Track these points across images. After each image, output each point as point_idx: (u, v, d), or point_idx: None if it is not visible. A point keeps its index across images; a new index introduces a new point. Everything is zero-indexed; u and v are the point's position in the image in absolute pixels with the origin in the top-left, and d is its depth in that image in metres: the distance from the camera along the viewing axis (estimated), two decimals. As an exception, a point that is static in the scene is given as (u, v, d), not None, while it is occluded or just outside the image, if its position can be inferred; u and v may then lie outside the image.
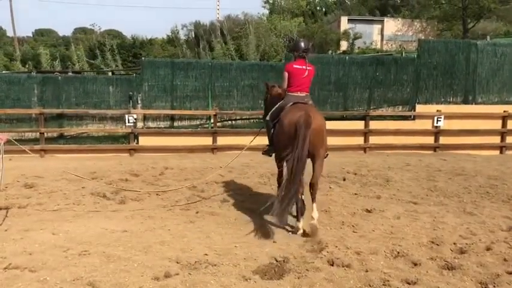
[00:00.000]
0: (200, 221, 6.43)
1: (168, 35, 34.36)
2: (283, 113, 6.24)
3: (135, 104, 12.90)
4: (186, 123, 13.36)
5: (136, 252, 5.02)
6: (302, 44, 6.56)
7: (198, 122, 13.46)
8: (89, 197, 7.60)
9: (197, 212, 6.86)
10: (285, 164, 5.94)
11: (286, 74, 6.53)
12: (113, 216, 6.61)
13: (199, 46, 29.58)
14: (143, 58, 15.17)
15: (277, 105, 6.59)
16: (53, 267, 4.58)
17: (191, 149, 12.73)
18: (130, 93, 12.83)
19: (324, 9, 40.69)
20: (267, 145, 7.00)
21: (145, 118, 13.11)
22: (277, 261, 4.85)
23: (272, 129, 6.53)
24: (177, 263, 4.74)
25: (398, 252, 5.10)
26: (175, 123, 13.29)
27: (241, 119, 13.70)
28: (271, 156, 6.99)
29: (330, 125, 13.25)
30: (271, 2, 38.26)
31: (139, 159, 11.75)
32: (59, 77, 13.28)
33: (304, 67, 6.45)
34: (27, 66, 29.04)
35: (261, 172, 9.90)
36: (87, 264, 4.65)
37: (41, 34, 53.55)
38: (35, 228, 5.92)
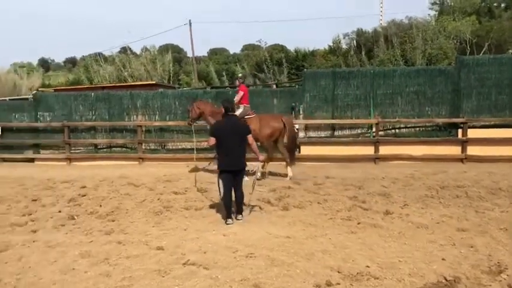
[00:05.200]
0: (362, 232, 6.32)
1: (329, 45, 34.63)
2: (262, 117, 10.59)
3: (297, 115, 13.29)
4: (346, 132, 13.28)
5: (298, 258, 5.16)
6: (240, 75, 11.94)
7: (359, 131, 13.26)
8: (255, 203, 8.04)
9: (359, 223, 6.74)
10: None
11: (242, 93, 10.59)
12: (276, 222, 6.91)
13: (361, 54, 29.14)
14: (305, 70, 15.58)
15: (238, 112, 9.78)
16: (224, 266, 4.98)
17: (352, 159, 12.59)
18: (293, 104, 13.27)
19: (503, 5, 36.31)
20: None
21: (306, 128, 13.42)
22: (446, 280, 4.48)
23: None
24: (339, 272, 4.73)
25: None
26: (336, 133, 13.31)
27: (405, 127, 13.07)
28: None
29: (509, 133, 11.89)
30: (439, 2, 35.78)
31: (301, 168, 12.03)
32: (230, 91, 14.42)
33: (248, 89, 11.24)
34: (194, 82, 32.27)
35: (428, 184, 9.29)
36: (254, 266, 4.93)
37: (215, 53, 58.89)
38: (209, 230, 6.53)
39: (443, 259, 5.07)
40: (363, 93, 13.03)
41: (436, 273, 4.64)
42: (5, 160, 14.62)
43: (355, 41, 33.66)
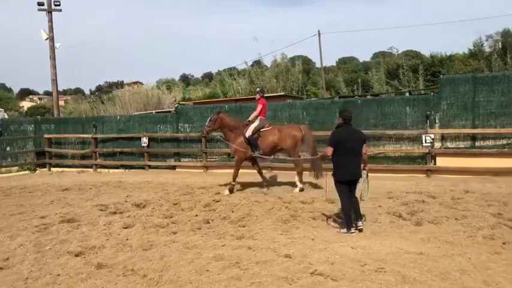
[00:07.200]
0: (508, 253, 5.69)
1: (470, 49, 32.04)
2: (280, 128, 10.84)
3: (433, 124, 12.51)
4: (489, 143, 12.10)
5: (432, 277, 4.83)
6: (259, 89, 11.40)
7: (504, 142, 11.99)
8: (385, 216, 7.77)
9: (504, 243, 6.08)
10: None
11: (261, 106, 10.74)
12: (408, 237, 6.56)
13: (507, 57, 26.39)
14: (441, 76, 14.62)
15: (256, 125, 10.60)
16: (351, 279, 4.87)
17: (496, 172, 11.42)
18: (428, 112, 12.52)
19: None
20: (256, 149, 10.53)
21: (443, 138, 12.56)
22: None
23: (254, 138, 10.53)
24: (480, 296, 4.31)
25: None
26: (477, 143, 12.21)
27: None
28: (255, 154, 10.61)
29: None
30: None
31: (437, 180, 11.30)
32: (358, 101, 14.16)
33: (266, 102, 11.16)
34: (326, 92, 32.18)
35: None
36: (383, 282, 4.74)
37: (344, 62, 58.38)
38: (336, 241, 6.46)
39: None
40: (509, 99, 11.80)
41: None
42: (151, 167, 16.27)
43: (500, 43, 30.62)
